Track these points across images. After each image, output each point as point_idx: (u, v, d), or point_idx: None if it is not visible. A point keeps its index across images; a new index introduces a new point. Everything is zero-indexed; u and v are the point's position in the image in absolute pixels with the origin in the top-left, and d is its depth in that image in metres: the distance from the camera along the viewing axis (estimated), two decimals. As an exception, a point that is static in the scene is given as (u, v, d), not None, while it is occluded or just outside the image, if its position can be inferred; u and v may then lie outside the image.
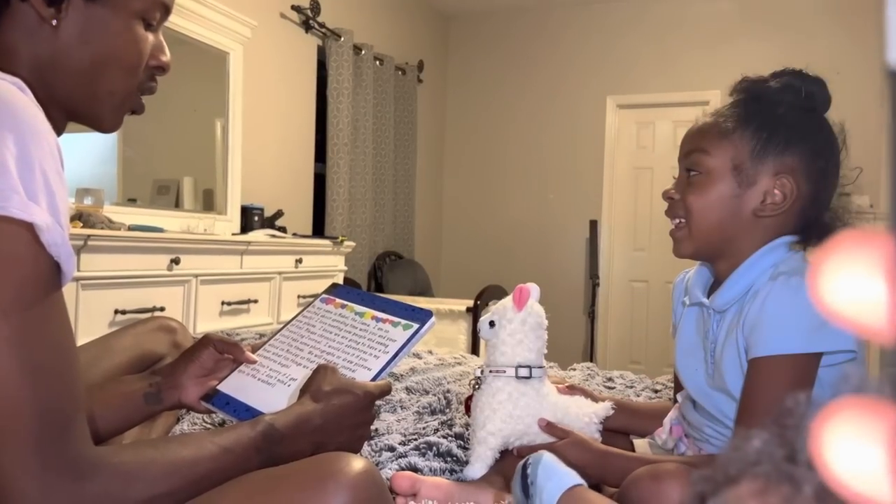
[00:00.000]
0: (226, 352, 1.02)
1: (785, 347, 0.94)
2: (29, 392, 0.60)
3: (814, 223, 1.04)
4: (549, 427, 1.12)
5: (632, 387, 1.86)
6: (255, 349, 1.05)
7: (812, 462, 0.17)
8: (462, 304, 3.80)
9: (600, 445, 1.08)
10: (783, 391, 0.94)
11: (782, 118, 1.03)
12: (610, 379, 1.93)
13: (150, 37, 0.81)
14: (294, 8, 3.79)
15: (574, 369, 2.03)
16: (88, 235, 2.03)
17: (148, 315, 2.17)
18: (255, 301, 2.85)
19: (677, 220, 1.09)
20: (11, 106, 0.63)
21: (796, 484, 0.18)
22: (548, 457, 0.98)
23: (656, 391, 1.80)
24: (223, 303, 2.68)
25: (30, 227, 0.61)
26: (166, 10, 0.82)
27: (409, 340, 0.98)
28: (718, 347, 1.05)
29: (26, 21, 0.72)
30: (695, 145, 1.07)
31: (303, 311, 1.12)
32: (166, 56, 0.83)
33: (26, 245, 0.61)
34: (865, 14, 4.44)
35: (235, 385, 1.00)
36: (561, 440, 1.10)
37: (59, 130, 0.76)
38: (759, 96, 1.05)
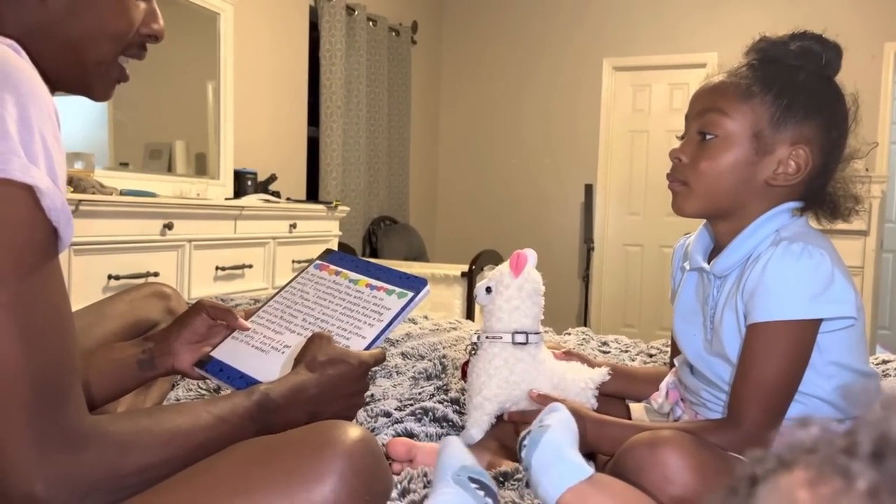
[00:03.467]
0: (218, 318, 1.01)
1: (784, 313, 0.94)
2: (25, 360, 0.59)
3: (818, 191, 1.03)
4: (541, 397, 1.10)
5: (626, 351, 1.86)
6: (248, 315, 1.05)
7: (873, 457, 0.16)
8: (457, 269, 3.80)
9: (594, 414, 1.07)
10: (781, 357, 0.94)
11: (803, 85, 1.00)
12: (605, 343, 1.93)
13: (143, 5, 0.78)
14: (285, -33, 3.71)
15: (569, 334, 2.03)
16: (80, 200, 2.01)
17: (142, 280, 2.16)
18: (250, 266, 2.84)
19: (679, 183, 1.06)
20: (9, 67, 0.61)
21: (850, 478, 0.17)
22: (549, 437, 0.82)
23: (651, 355, 1.81)
24: (217, 268, 2.66)
25: (30, 191, 0.60)
26: None
27: (403, 309, 0.97)
28: (718, 313, 1.05)
29: None
30: (711, 104, 1.02)
31: (296, 277, 1.11)
32: (159, 24, 0.80)
33: (26, 209, 0.60)
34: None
35: (229, 351, 0.99)
36: None
37: None
38: (777, 59, 1.02)
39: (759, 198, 1.02)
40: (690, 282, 1.14)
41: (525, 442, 0.84)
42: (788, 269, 0.94)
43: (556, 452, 0.81)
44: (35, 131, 0.60)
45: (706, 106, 1.03)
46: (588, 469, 0.80)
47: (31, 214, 0.60)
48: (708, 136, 1.02)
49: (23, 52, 0.65)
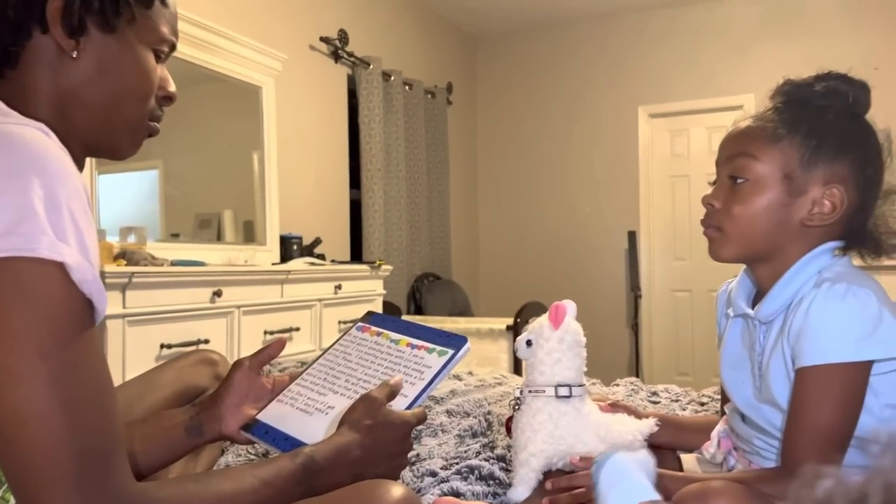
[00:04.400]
0: (257, 361, 1.04)
1: (832, 356, 0.91)
2: (69, 430, 0.61)
3: (858, 229, 1.01)
4: (583, 460, 1.08)
5: (677, 400, 1.82)
6: (292, 378, 1.06)
7: None
8: (502, 323, 3.79)
9: None
10: (833, 401, 0.91)
11: (832, 124, 0.99)
12: (654, 393, 1.89)
13: (159, 68, 0.84)
14: (322, 39, 3.86)
15: (617, 385, 1.99)
16: (132, 273, 2.08)
17: (192, 348, 2.20)
18: (297, 329, 2.88)
19: (714, 229, 1.06)
20: (36, 150, 0.64)
21: None
22: (619, 457, 0.84)
23: (702, 404, 1.76)
24: (266, 332, 2.71)
25: (60, 267, 0.62)
26: (173, 46, 0.85)
27: (444, 366, 0.98)
28: (765, 359, 1.02)
29: (47, 55, 0.75)
30: (739, 149, 1.03)
31: (339, 339, 1.13)
32: (173, 87, 0.86)
33: (59, 285, 0.62)
34: (892, 13, 4.34)
35: (274, 414, 1.01)
36: None
37: (79, 166, 0.79)
38: (803, 100, 1.02)
39: (797, 239, 1.01)
40: (736, 328, 1.12)
41: (596, 458, 0.85)
42: (833, 311, 0.92)
43: (623, 471, 0.82)
44: (63, 209, 0.63)
45: (735, 151, 1.03)
46: (654, 494, 0.80)
47: (64, 289, 0.62)
48: (739, 181, 1.02)
49: (51, 135, 0.68)
